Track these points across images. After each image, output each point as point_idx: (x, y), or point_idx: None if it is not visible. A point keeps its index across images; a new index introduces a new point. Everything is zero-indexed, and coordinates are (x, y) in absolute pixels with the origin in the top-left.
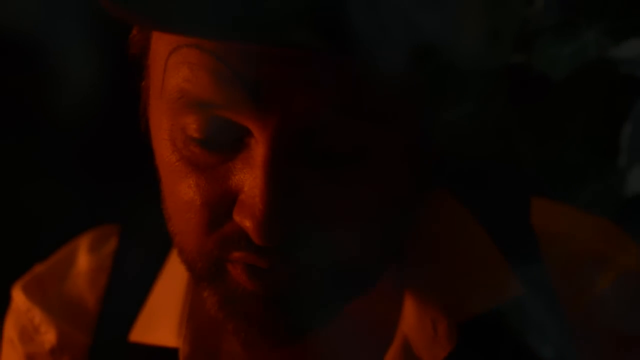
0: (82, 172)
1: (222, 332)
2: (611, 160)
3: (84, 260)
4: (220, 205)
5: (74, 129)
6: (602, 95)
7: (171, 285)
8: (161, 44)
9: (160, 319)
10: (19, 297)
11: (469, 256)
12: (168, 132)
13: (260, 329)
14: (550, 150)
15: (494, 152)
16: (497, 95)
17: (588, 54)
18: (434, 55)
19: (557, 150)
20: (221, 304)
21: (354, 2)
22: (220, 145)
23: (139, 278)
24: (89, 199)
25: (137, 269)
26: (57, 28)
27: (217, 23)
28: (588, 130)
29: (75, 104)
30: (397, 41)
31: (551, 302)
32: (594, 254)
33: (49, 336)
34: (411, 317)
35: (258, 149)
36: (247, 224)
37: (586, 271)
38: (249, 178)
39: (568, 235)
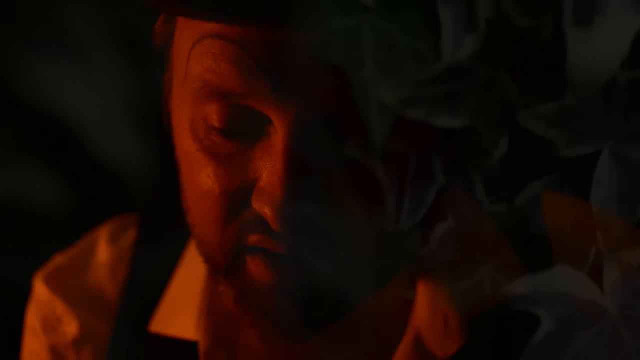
0: None
1: (241, 326)
2: None
3: (104, 252)
4: (238, 194)
5: None
6: (496, 331)
7: (190, 276)
8: (185, 36)
9: (180, 310)
10: (40, 287)
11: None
12: (189, 121)
13: (275, 323)
14: None
15: None
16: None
17: (483, 289)
18: (326, 299)
19: None
20: (237, 299)
21: None
22: (240, 133)
23: (158, 269)
24: None
25: (156, 260)
26: None
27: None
28: None
29: None
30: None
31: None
32: (602, 248)
33: (71, 327)
34: (423, 311)
35: (277, 137)
36: (266, 210)
37: (593, 265)
38: (268, 166)
39: (576, 229)
